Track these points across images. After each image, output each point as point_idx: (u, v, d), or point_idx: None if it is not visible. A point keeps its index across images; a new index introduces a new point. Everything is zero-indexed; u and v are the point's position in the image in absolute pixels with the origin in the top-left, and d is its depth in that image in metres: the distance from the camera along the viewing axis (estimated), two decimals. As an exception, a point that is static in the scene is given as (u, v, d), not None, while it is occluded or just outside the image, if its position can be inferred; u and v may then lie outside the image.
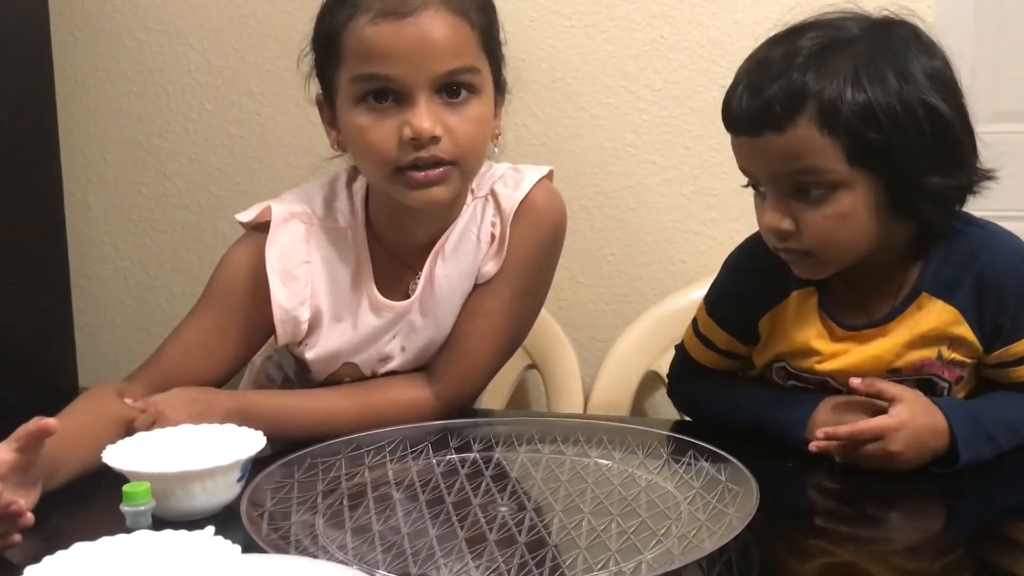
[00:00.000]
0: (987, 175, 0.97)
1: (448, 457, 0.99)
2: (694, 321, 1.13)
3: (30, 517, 0.84)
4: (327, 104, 1.12)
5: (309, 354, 1.15)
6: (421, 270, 1.13)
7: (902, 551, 0.86)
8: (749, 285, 1.06)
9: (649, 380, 1.56)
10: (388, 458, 0.99)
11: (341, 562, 0.79)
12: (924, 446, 0.94)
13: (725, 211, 1.58)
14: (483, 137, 1.08)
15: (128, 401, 1.05)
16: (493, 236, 1.13)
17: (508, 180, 1.15)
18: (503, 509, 0.88)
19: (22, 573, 0.70)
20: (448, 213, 1.13)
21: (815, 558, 0.86)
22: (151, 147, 1.79)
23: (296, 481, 0.92)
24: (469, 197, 1.15)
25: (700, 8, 1.57)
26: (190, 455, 0.92)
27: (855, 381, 0.97)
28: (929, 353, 1.00)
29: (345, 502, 0.90)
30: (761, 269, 1.03)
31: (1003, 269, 0.98)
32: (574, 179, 1.64)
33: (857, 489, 0.95)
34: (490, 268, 1.13)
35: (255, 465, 0.92)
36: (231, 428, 0.96)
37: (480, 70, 1.06)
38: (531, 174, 1.15)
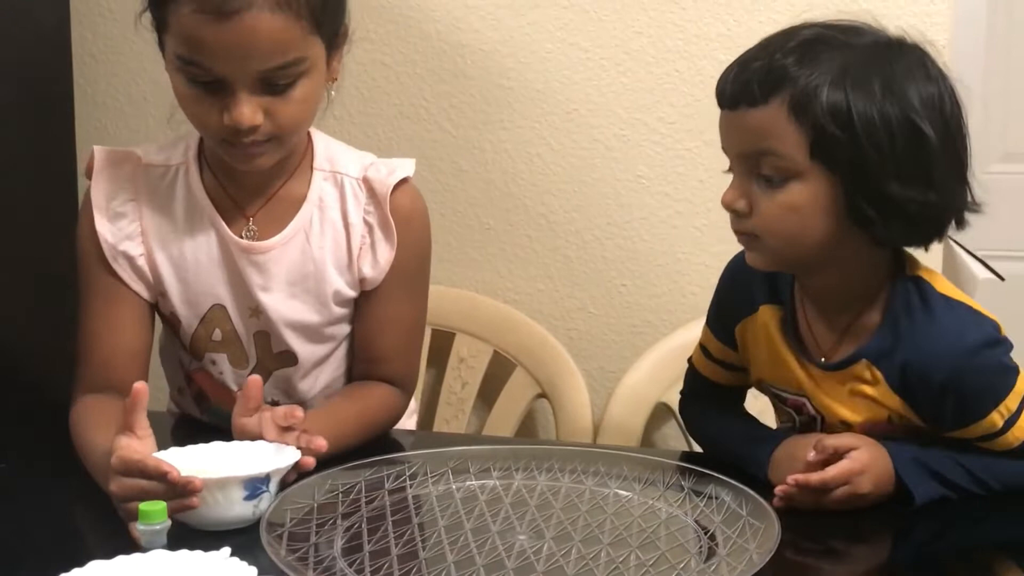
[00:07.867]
0: (972, 208, 0.96)
1: (468, 483, 0.99)
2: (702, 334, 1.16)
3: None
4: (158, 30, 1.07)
5: (174, 301, 1.14)
6: (254, 214, 1.14)
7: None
8: (727, 294, 1.10)
9: (659, 412, 1.56)
10: (408, 482, 0.98)
11: (359, 586, 0.79)
12: (887, 485, 0.95)
13: (737, 244, 1.55)
14: (309, 111, 1.08)
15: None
16: (368, 223, 1.14)
17: (380, 168, 1.15)
18: (521, 537, 0.88)
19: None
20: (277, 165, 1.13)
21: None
22: (165, 168, 1.79)
23: (316, 503, 0.92)
24: (318, 174, 1.15)
25: (715, 44, 1.58)
26: (212, 467, 0.92)
27: (810, 456, 0.95)
28: (880, 414, 0.99)
29: (364, 525, 0.90)
30: (737, 280, 1.07)
31: (933, 364, 0.95)
32: (587, 209, 1.65)
33: (878, 526, 0.94)
34: (383, 259, 1.14)
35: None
36: (273, 447, 0.96)
37: (307, 57, 1.03)
38: (399, 162, 1.16)
